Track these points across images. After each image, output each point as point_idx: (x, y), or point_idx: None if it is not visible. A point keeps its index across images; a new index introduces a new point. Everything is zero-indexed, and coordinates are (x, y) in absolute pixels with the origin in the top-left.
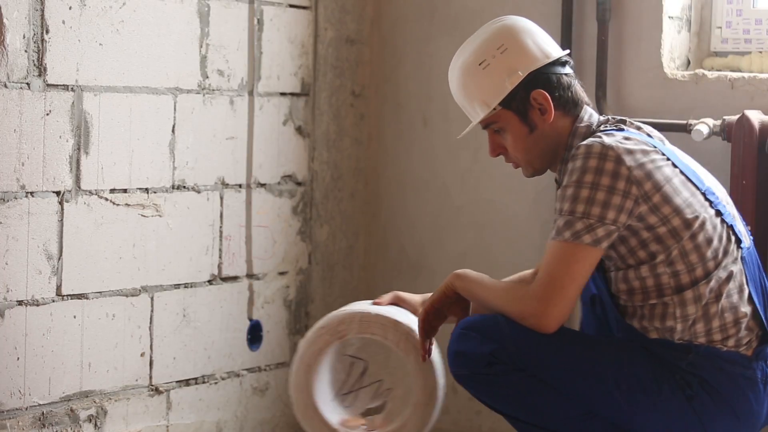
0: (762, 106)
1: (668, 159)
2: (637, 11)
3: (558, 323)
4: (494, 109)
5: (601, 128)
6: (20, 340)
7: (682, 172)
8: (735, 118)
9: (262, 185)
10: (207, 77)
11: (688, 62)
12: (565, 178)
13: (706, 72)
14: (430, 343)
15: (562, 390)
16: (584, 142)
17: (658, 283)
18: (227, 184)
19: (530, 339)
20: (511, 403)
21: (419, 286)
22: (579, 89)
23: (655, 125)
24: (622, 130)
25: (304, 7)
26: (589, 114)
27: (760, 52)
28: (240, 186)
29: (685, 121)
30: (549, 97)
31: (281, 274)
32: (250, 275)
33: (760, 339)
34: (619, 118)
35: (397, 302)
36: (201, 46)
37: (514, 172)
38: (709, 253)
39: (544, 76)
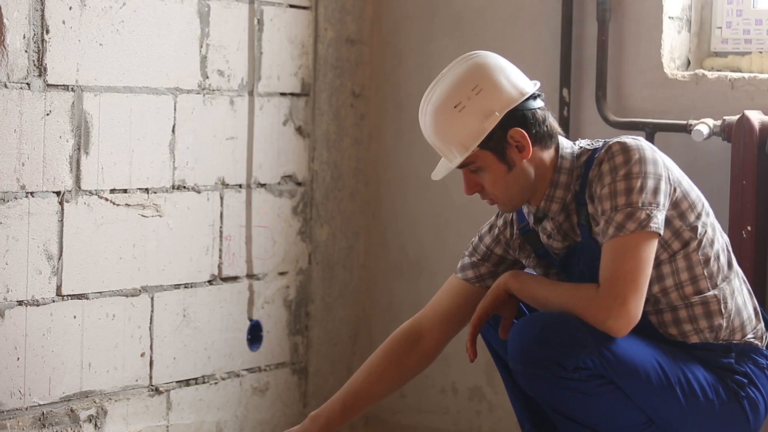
0: (762, 106)
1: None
2: (637, 11)
3: (632, 324)
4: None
5: (582, 156)
6: (20, 340)
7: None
8: (735, 118)
9: (262, 185)
10: (207, 77)
11: (688, 62)
12: (598, 185)
13: (706, 72)
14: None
15: (633, 396)
16: (608, 148)
17: (692, 276)
18: (227, 185)
19: (612, 345)
20: (577, 406)
21: (419, 286)
22: (552, 120)
23: (655, 125)
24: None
25: (304, 7)
26: (564, 146)
27: (761, 52)
28: (240, 186)
29: (685, 122)
30: (526, 135)
31: (281, 274)
32: (250, 275)
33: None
34: (598, 139)
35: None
36: (201, 46)
37: None
38: (723, 252)
39: (519, 114)
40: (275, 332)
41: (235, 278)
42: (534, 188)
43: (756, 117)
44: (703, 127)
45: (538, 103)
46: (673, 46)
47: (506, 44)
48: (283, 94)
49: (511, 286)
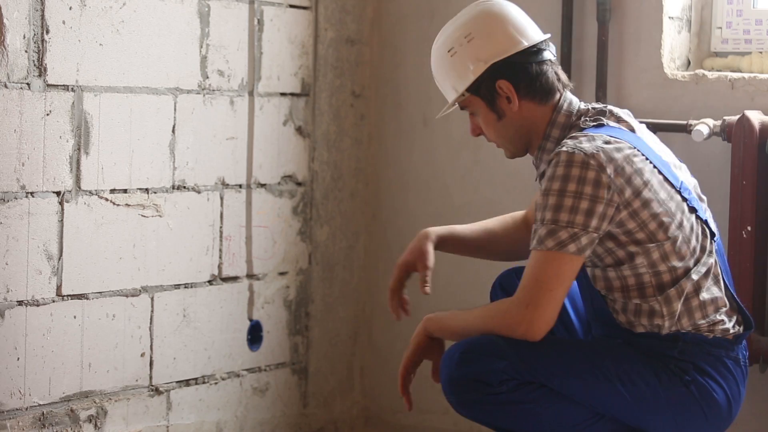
0: (762, 106)
1: (647, 158)
2: (637, 11)
3: (547, 327)
4: (463, 94)
5: (582, 121)
6: (20, 340)
7: (659, 172)
8: (735, 118)
9: (263, 185)
10: (207, 77)
11: (689, 62)
12: (544, 183)
13: (706, 72)
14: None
15: (571, 395)
16: (565, 149)
17: (639, 282)
18: (227, 185)
19: (532, 350)
20: (520, 419)
21: (419, 286)
22: (552, 78)
23: (655, 125)
24: (602, 124)
25: (304, 8)
26: (569, 102)
27: (761, 52)
28: (240, 186)
29: (685, 122)
30: (512, 87)
31: (281, 274)
32: (250, 275)
33: (740, 324)
34: (599, 108)
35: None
36: (201, 47)
37: (515, 172)
38: (688, 253)
39: (509, 66)
40: (275, 332)
41: (235, 278)
42: (528, 138)
43: (756, 117)
44: (703, 127)
45: (538, 57)
46: (673, 46)
47: None
48: (283, 94)
49: (429, 328)
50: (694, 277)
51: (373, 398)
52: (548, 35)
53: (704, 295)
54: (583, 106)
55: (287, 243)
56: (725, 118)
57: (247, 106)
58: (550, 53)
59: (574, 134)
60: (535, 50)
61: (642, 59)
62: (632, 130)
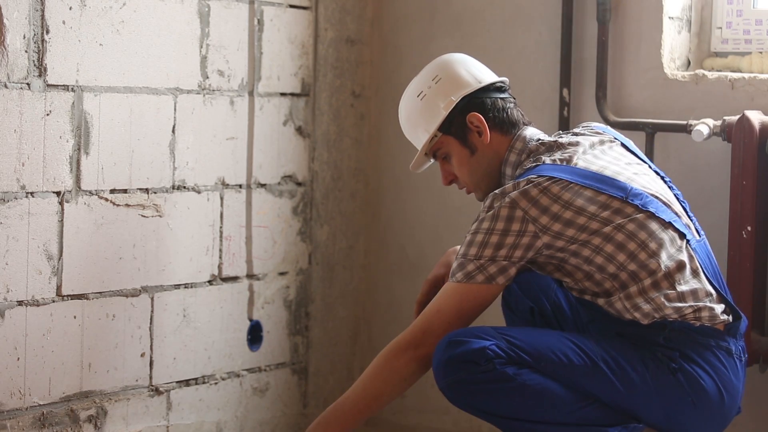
0: (762, 106)
1: (571, 182)
2: (637, 11)
3: (432, 340)
4: (436, 135)
5: (525, 161)
6: (20, 340)
7: (589, 188)
8: (735, 118)
9: (263, 185)
10: (207, 77)
11: (689, 63)
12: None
13: (706, 72)
14: None
15: (559, 378)
16: (491, 193)
17: (603, 289)
18: (227, 185)
19: (520, 334)
20: (508, 401)
21: (419, 286)
22: (516, 113)
23: (655, 125)
24: (539, 164)
25: (304, 8)
26: (522, 138)
27: (761, 52)
28: (240, 186)
29: (685, 122)
30: (483, 119)
31: (281, 274)
32: (250, 275)
33: (728, 314)
34: (549, 141)
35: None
36: (201, 47)
37: None
38: (637, 248)
39: (477, 101)
40: (275, 332)
41: (235, 278)
42: (498, 173)
43: (756, 117)
44: (703, 127)
45: (501, 95)
46: (673, 46)
47: (506, 44)
48: (283, 94)
49: None
50: (659, 272)
51: None
52: (506, 79)
53: (681, 288)
54: (533, 144)
55: (287, 243)
56: (725, 118)
57: (247, 106)
58: (509, 94)
59: (513, 176)
60: (497, 88)
61: (642, 59)
62: (574, 154)
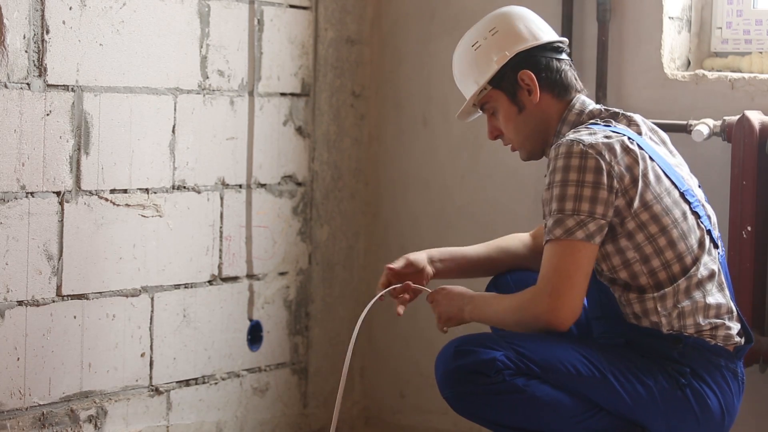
0: (762, 106)
1: (647, 154)
2: (637, 12)
3: (573, 316)
4: (485, 88)
5: (590, 122)
6: (20, 340)
7: (660, 168)
8: (735, 118)
9: (263, 185)
10: (207, 77)
11: (689, 63)
12: (547, 177)
13: (706, 72)
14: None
15: (567, 389)
16: (564, 141)
17: (634, 278)
18: (227, 185)
19: (528, 344)
20: (516, 411)
21: None
22: (571, 76)
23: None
24: (609, 124)
25: (304, 8)
26: (582, 101)
27: (761, 52)
28: (240, 186)
29: (685, 122)
30: (535, 78)
31: (281, 274)
32: (250, 275)
33: (742, 336)
34: (612, 110)
35: (407, 266)
36: (201, 47)
37: (515, 172)
38: (685, 251)
39: (532, 58)
40: (275, 332)
41: (235, 278)
42: (545, 136)
43: (756, 117)
44: (703, 127)
45: (558, 55)
46: (673, 46)
47: None
48: (283, 95)
49: (468, 312)
50: (694, 278)
51: (373, 398)
52: (566, 39)
53: (709, 300)
54: (596, 108)
55: (287, 243)
56: (725, 118)
57: (247, 106)
58: (567, 56)
59: (576, 129)
60: (555, 48)
61: (642, 59)
62: (639, 133)
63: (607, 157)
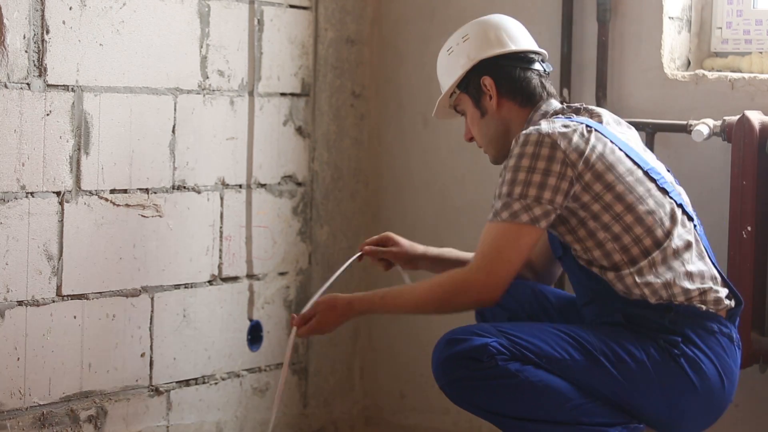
0: (762, 106)
1: (606, 138)
2: (637, 12)
3: (500, 292)
4: (455, 92)
5: (553, 116)
6: (20, 340)
7: (620, 149)
8: (735, 118)
9: (263, 185)
10: (207, 77)
11: (689, 63)
12: (504, 162)
13: (706, 72)
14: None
15: (560, 374)
16: (523, 131)
17: (608, 257)
18: (227, 185)
19: (520, 330)
20: (510, 397)
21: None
22: (536, 84)
23: (655, 125)
24: (570, 117)
25: (304, 8)
26: (548, 104)
27: (761, 52)
28: (240, 186)
29: (685, 122)
30: (494, 85)
31: (281, 274)
32: (250, 275)
33: (731, 299)
34: (575, 106)
35: (385, 241)
36: (201, 47)
37: None
38: (653, 223)
39: (495, 66)
40: (275, 332)
41: (235, 278)
42: (507, 140)
43: (756, 117)
44: (703, 127)
45: (524, 65)
46: (673, 46)
47: None
48: (283, 95)
49: (361, 309)
50: (669, 249)
51: (373, 398)
52: (543, 51)
53: (689, 267)
54: (559, 107)
55: (287, 243)
56: (725, 118)
57: (247, 106)
58: (540, 66)
59: (537, 122)
60: (523, 57)
61: (642, 59)
62: (600, 122)
63: (561, 145)
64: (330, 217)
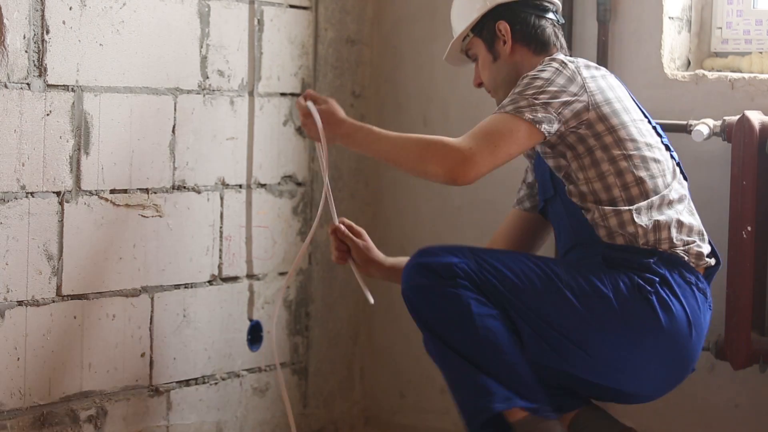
0: (762, 106)
1: (626, 89)
2: (637, 12)
3: (475, 176)
4: (468, 35)
5: None
6: (20, 340)
7: (633, 100)
8: (735, 118)
9: (263, 185)
10: (207, 77)
11: (689, 63)
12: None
13: (706, 72)
14: None
15: (523, 305)
16: (547, 57)
17: (611, 197)
18: (227, 185)
19: (491, 255)
20: (457, 328)
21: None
22: (550, 33)
23: None
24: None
25: (304, 8)
26: (558, 56)
27: (761, 52)
28: (240, 186)
29: (685, 122)
30: (509, 30)
31: (281, 274)
32: (250, 275)
33: (711, 257)
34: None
35: (359, 235)
36: (201, 47)
37: (515, 172)
38: (657, 171)
39: (512, 11)
40: (275, 332)
41: (235, 278)
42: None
43: (756, 117)
44: (703, 127)
45: (539, 12)
46: (673, 46)
47: None
48: (283, 95)
49: (348, 131)
50: (666, 198)
51: (373, 398)
52: (557, 1)
53: (682, 218)
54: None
55: (287, 243)
56: (725, 118)
57: (247, 106)
58: (554, 15)
59: None
60: (538, 5)
61: (642, 59)
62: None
63: (584, 73)
64: (330, 217)
